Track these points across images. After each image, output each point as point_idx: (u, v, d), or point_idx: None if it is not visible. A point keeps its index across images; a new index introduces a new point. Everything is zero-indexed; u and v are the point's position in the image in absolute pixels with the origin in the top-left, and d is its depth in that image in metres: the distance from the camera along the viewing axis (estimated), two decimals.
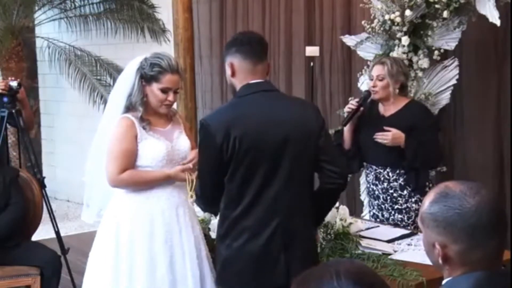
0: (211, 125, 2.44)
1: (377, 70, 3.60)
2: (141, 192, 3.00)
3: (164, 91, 2.94)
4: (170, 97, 2.96)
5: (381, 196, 3.65)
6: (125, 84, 3.00)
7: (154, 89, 2.94)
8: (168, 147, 2.99)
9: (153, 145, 2.96)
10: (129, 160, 2.94)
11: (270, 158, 2.45)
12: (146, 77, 2.94)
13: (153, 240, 2.96)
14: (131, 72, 2.98)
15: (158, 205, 3.00)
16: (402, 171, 3.57)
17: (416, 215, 3.48)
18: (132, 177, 2.95)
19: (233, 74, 2.54)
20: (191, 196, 2.98)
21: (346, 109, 3.74)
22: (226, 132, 2.40)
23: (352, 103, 3.70)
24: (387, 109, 3.65)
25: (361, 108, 3.67)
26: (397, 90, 3.60)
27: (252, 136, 2.42)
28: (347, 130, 3.73)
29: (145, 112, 2.98)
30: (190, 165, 2.98)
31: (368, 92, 3.66)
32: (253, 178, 2.44)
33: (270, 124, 2.45)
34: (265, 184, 2.46)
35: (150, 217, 2.98)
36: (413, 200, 3.57)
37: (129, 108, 2.99)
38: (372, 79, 3.62)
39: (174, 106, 3.22)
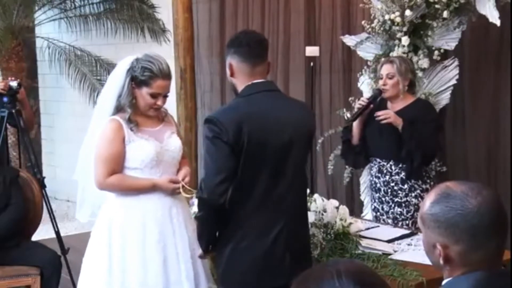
0: (222, 120, 2.40)
1: (387, 69, 3.69)
2: (133, 194, 2.96)
3: (154, 96, 2.91)
4: (159, 101, 2.92)
5: (382, 189, 3.73)
6: (115, 84, 2.96)
7: (144, 93, 2.90)
8: (158, 148, 2.95)
9: (141, 146, 2.92)
10: (117, 163, 2.91)
11: (276, 159, 2.46)
12: (136, 80, 2.90)
13: (145, 241, 2.93)
14: (122, 72, 2.94)
15: (150, 206, 2.97)
16: (404, 165, 3.63)
17: (415, 210, 3.56)
18: (118, 182, 2.93)
19: (232, 74, 2.55)
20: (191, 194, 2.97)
21: (357, 105, 3.83)
22: (238, 127, 2.38)
23: (363, 99, 3.79)
24: (395, 106, 3.73)
25: (371, 106, 3.75)
26: (406, 87, 3.69)
27: (260, 135, 2.42)
28: (356, 125, 3.82)
29: (134, 113, 2.94)
30: (180, 179, 2.96)
31: (379, 91, 3.74)
32: (260, 179, 2.45)
33: (276, 124, 2.46)
34: (271, 185, 2.46)
35: (143, 218, 2.95)
36: (413, 194, 3.64)
37: (119, 109, 2.95)
38: (381, 78, 3.71)
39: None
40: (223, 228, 2.54)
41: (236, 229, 2.49)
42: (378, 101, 3.77)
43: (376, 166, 3.78)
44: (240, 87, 2.54)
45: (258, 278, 2.49)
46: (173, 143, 3.05)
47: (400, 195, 3.66)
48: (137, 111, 2.95)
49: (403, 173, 3.65)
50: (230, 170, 2.41)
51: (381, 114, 3.61)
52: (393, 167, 3.68)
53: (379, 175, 3.75)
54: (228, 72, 2.56)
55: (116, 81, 2.95)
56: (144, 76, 2.88)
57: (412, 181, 3.64)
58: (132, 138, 2.91)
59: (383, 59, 3.92)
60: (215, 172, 2.43)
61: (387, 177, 3.70)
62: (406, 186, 3.65)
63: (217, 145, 2.41)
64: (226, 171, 2.41)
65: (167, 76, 2.91)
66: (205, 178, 2.46)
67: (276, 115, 2.47)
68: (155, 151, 2.93)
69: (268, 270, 2.49)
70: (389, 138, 3.64)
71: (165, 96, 2.95)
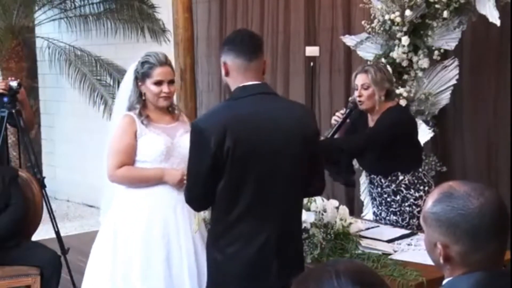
0: (204, 129, 2.36)
1: (361, 79, 3.51)
2: (141, 188, 3.06)
3: (158, 83, 3.04)
4: (165, 88, 3.05)
5: (377, 199, 3.67)
6: (125, 88, 3.15)
7: (148, 84, 3.05)
8: (168, 143, 3.05)
9: (151, 140, 3.03)
10: (128, 156, 3.03)
11: (267, 163, 2.39)
12: (139, 76, 3.06)
13: (150, 235, 3.00)
14: (129, 77, 3.12)
15: (156, 201, 3.05)
16: (394, 177, 3.55)
17: (410, 217, 3.52)
18: (127, 172, 3.04)
19: (226, 73, 2.47)
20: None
21: (333, 121, 3.68)
22: (221, 136, 2.31)
23: (338, 115, 3.65)
24: (373, 119, 3.58)
25: (347, 120, 3.62)
26: (382, 98, 3.49)
27: (248, 141, 2.35)
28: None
29: (148, 109, 3.08)
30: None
31: (354, 104, 3.58)
32: (249, 184, 2.37)
33: (268, 128, 2.39)
34: (261, 190, 2.39)
35: (148, 213, 3.03)
36: (406, 204, 3.54)
37: (130, 108, 3.09)
38: (357, 89, 3.54)
39: None
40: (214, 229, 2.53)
41: (224, 234, 2.44)
42: (356, 113, 3.61)
43: (368, 178, 3.75)
44: (233, 88, 2.46)
45: (248, 282, 2.44)
46: (185, 141, 3.08)
47: (394, 205, 3.57)
48: (150, 108, 3.09)
49: (393, 185, 3.54)
50: (210, 183, 2.39)
51: None
52: (382, 180, 3.58)
53: (372, 186, 3.68)
54: (223, 71, 2.49)
55: (125, 86, 3.16)
56: (143, 69, 3.05)
57: (404, 191, 3.53)
58: (144, 132, 3.04)
59: (359, 67, 3.68)
60: (195, 183, 2.45)
61: (379, 189, 3.61)
62: (398, 197, 3.54)
63: (197, 154, 2.40)
64: (206, 183, 2.40)
65: (164, 63, 3.07)
66: (187, 186, 2.53)
67: (267, 118, 2.40)
68: (165, 145, 3.04)
69: (258, 274, 2.44)
70: (371, 156, 3.54)
71: (170, 83, 3.07)
